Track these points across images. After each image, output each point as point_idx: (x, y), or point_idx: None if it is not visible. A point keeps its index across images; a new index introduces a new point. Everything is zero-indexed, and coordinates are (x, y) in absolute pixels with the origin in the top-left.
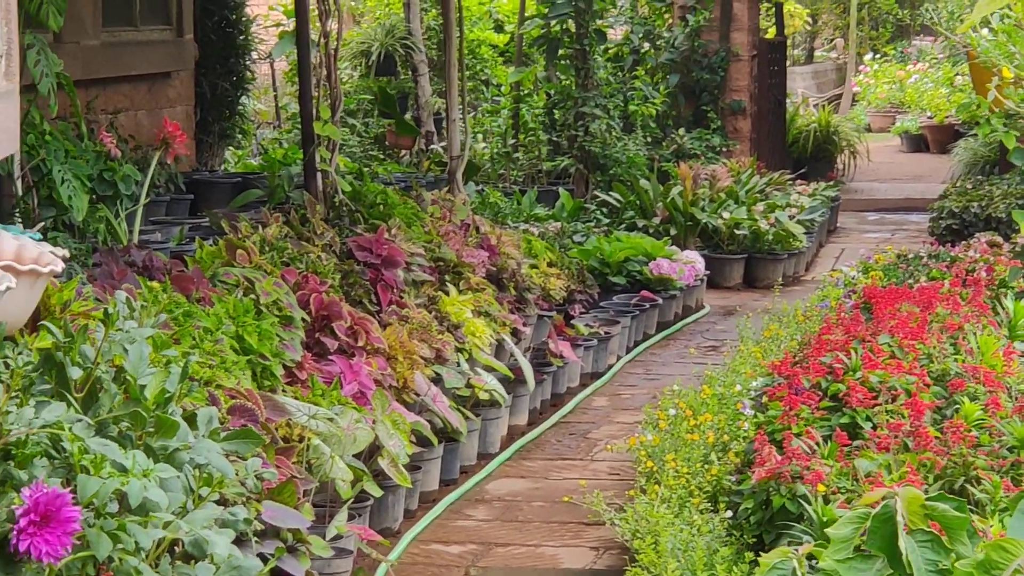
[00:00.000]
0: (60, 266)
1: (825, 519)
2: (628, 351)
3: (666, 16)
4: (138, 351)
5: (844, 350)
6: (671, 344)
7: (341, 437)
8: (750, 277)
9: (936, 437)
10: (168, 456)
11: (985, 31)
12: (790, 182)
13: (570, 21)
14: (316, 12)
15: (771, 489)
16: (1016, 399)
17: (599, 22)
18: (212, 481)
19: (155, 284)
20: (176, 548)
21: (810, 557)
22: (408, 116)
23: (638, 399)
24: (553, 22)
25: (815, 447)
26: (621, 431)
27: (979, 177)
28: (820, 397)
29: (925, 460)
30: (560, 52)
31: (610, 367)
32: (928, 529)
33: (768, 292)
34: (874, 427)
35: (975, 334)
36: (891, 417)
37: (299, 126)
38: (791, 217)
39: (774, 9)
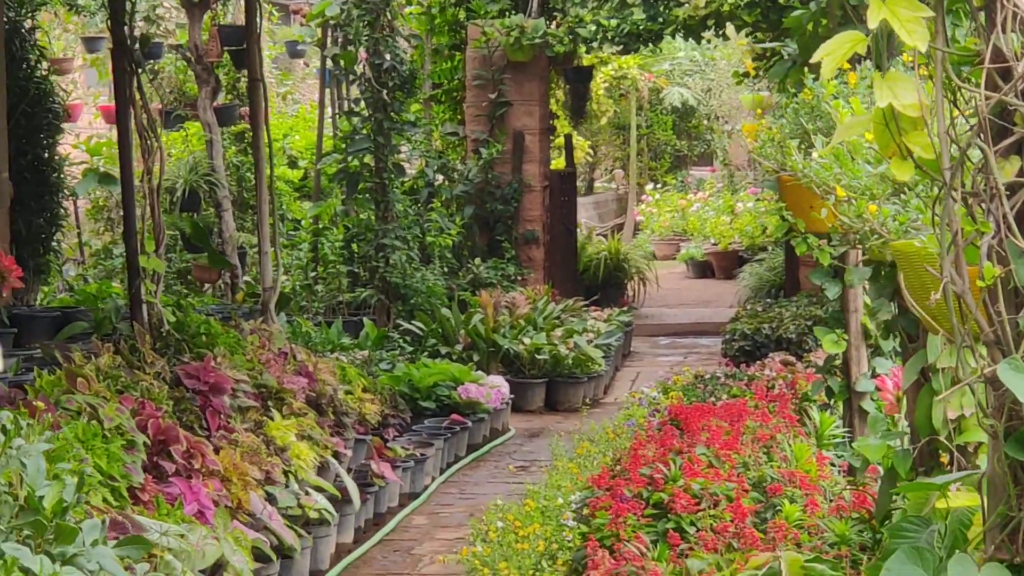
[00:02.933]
0: None
1: None
2: (442, 472)
3: (459, 149)
4: (35, 465)
5: (663, 462)
6: (481, 465)
7: (191, 553)
8: (552, 400)
9: (761, 537)
10: (68, 561)
11: (815, 156)
12: (584, 308)
13: (368, 156)
14: (139, 150)
15: None
16: (831, 500)
17: (397, 156)
18: None
19: (21, 408)
20: None
21: None
22: None
23: (456, 517)
24: (352, 157)
25: (645, 550)
26: (443, 547)
27: (768, 300)
28: (643, 506)
29: (752, 559)
30: (359, 186)
31: (426, 487)
32: None
33: (570, 415)
34: (698, 531)
35: (789, 443)
36: (715, 521)
37: (102, 262)
38: (589, 342)
39: (563, 140)
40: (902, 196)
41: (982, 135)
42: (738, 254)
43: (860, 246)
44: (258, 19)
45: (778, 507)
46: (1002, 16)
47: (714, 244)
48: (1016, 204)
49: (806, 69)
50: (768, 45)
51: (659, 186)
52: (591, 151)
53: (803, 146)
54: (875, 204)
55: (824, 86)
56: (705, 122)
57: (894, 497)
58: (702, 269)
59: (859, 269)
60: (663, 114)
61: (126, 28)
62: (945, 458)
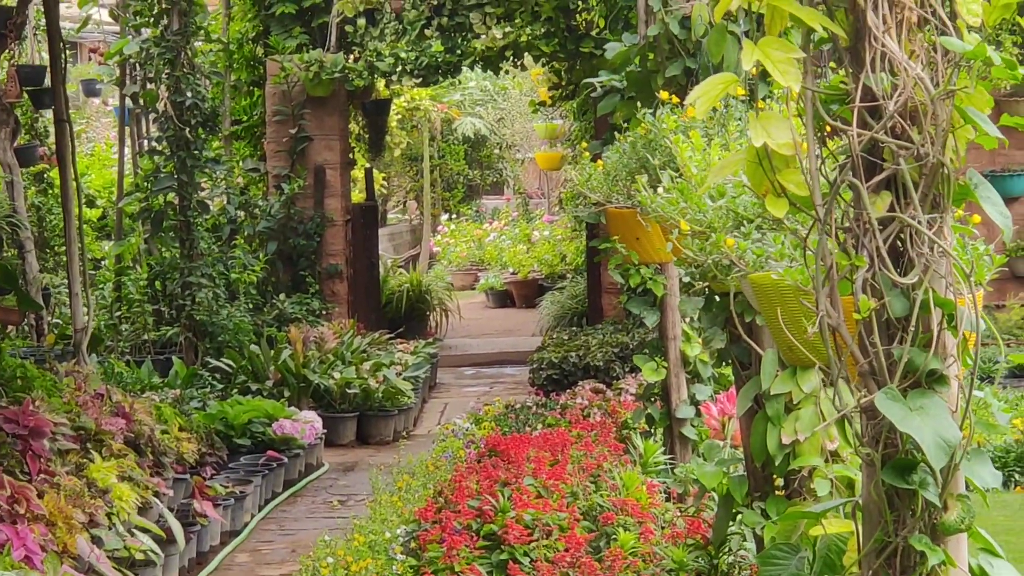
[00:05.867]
0: None
1: None
2: (260, 509)
3: (261, 185)
4: None
5: (491, 493)
6: (299, 501)
7: None
8: (363, 434)
9: (597, 565)
10: None
11: (660, 190)
12: (390, 341)
13: (172, 194)
14: None
15: None
16: (664, 527)
17: (200, 194)
18: None
19: None
20: None
21: None
22: None
23: (278, 554)
24: (155, 196)
25: None
26: None
27: (573, 328)
28: (475, 538)
29: None
30: (164, 224)
31: (246, 525)
32: None
33: (382, 448)
34: (531, 561)
35: (617, 472)
36: (549, 551)
37: None
38: (398, 375)
39: (363, 173)
40: (742, 229)
41: (854, 172)
42: (538, 283)
43: (707, 281)
44: (63, 60)
45: (612, 536)
46: (871, 56)
47: (513, 273)
48: (888, 238)
49: (638, 103)
50: (593, 80)
51: (454, 216)
52: (384, 183)
53: (635, 179)
54: (732, 238)
55: (662, 120)
56: (497, 151)
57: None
58: (502, 298)
59: (691, 299)
60: (455, 144)
61: None
62: (779, 482)
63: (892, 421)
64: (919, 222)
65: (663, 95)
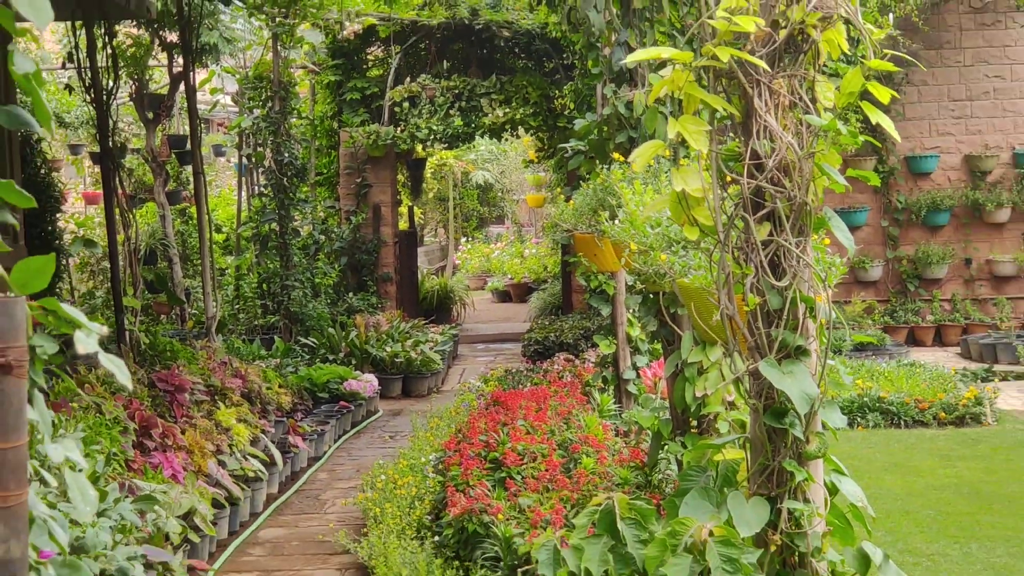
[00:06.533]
0: None
1: (507, 535)
2: (335, 441)
3: (336, 218)
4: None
5: (495, 431)
6: (362, 436)
7: (172, 503)
8: (407, 390)
9: (568, 481)
10: (101, 514)
11: (617, 221)
12: (425, 325)
13: (275, 224)
14: (120, 223)
15: (465, 520)
16: (614, 455)
17: (294, 223)
18: (126, 530)
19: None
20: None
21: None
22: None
23: (347, 472)
24: (263, 225)
25: (488, 492)
26: (340, 493)
27: (552, 317)
28: (483, 462)
29: (563, 496)
30: (269, 244)
31: (325, 453)
32: (633, 516)
33: (420, 399)
34: (522, 478)
35: (582, 416)
36: (535, 471)
37: (87, 302)
38: (431, 348)
39: (407, 210)
40: (672, 248)
41: (745, 209)
42: (528, 285)
43: (645, 284)
44: (199, 131)
45: (578, 460)
46: (757, 128)
47: (511, 278)
48: (769, 255)
49: (597, 161)
50: (566, 145)
51: (470, 239)
52: (421, 216)
53: (597, 214)
54: (666, 255)
55: (612, 173)
56: (500, 194)
57: (660, 452)
58: (503, 296)
59: (634, 296)
60: (471, 189)
61: (109, 139)
62: (694, 423)
63: (771, 381)
64: (790, 244)
65: (615, 156)
